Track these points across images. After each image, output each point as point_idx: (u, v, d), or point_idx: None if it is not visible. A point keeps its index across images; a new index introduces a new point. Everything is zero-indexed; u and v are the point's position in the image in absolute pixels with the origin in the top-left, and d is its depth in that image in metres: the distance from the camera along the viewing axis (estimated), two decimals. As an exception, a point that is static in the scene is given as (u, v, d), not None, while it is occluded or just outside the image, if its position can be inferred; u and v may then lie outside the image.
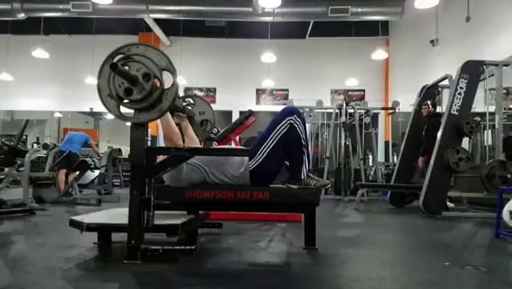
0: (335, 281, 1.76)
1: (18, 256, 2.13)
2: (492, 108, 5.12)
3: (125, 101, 1.88)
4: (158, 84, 1.87)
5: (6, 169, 4.70)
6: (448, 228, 3.86)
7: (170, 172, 2.17)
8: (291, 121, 2.17)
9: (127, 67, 1.85)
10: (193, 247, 1.95)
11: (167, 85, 1.90)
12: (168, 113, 2.20)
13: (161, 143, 11.14)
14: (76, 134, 7.06)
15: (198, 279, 1.73)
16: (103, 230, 2.19)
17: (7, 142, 4.79)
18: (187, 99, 2.85)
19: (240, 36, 13.15)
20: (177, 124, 2.49)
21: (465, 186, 5.13)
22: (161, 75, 1.87)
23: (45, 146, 11.10)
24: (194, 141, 2.56)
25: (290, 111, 2.23)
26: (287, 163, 2.29)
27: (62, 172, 6.26)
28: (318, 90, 12.33)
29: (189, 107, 2.76)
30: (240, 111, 12.20)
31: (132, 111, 1.92)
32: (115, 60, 1.83)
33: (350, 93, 13.04)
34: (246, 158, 2.23)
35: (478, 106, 5.53)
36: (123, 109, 1.93)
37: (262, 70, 12.55)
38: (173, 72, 1.89)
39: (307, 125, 8.89)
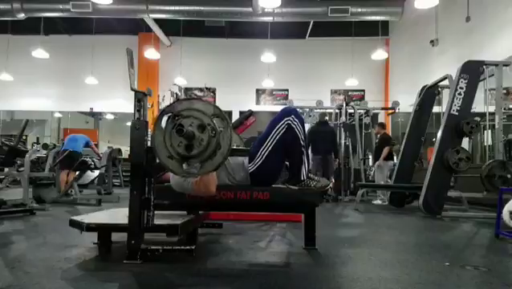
0: (335, 281, 1.76)
1: (18, 256, 2.13)
2: (492, 108, 5.12)
3: (188, 158, 1.84)
4: (213, 132, 1.84)
5: (6, 169, 4.69)
6: (448, 228, 3.86)
7: (173, 182, 2.17)
8: (289, 122, 2.17)
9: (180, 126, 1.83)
10: (193, 247, 1.95)
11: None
12: None
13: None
14: (78, 135, 7.07)
15: (198, 279, 1.73)
16: (103, 230, 2.18)
17: (7, 142, 4.79)
18: None
19: (240, 36, 13.15)
20: None
21: (465, 186, 5.13)
22: (213, 121, 1.85)
23: (45, 146, 11.11)
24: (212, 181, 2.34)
25: (288, 111, 2.23)
26: (287, 163, 2.29)
27: (64, 172, 6.26)
28: (318, 90, 12.34)
29: None
30: (240, 111, 12.19)
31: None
32: (163, 121, 1.83)
33: (350, 93, 13.05)
34: (247, 160, 2.23)
35: (478, 106, 5.53)
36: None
37: (262, 70, 12.55)
38: (223, 116, 1.87)
39: (307, 125, 8.94)
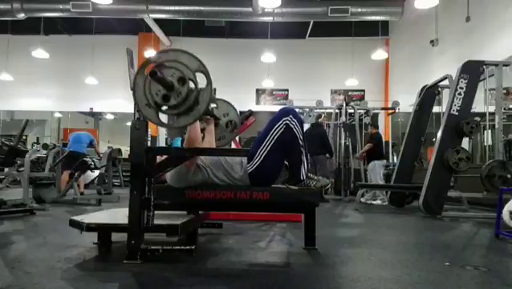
0: (335, 281, 1.76)
1: (18, 256, 2.13)
2: (492, 108, 5.12)
3: (163, 108, 1.87)
4: (193, 86, 1.86)
5: (6, 169, 4.69)
6: (448, 228, 3.86)
7: (173, 173, 2.17)
8: (287, 122, 2.17)
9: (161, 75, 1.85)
10: (193, 247, 1.95)
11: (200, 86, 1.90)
12: None
13: (162, 143, 11.13)
14: (83, 134, 7.07)
15: (198, 279, 1.73)
16: (103, 230, 2.19)
17: (7, 142, 4.79)
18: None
19: (240, 36, 13.15)
20: (202, 129, 2.49)
21: (465, 186, 5.13)
22: (195, 76, 1.87)
23: (45, 146, 11.11)
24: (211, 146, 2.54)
25: (286, 111, 2.23)
26: (287, 163, 2.29)
27: (66, 172, 6.27)
28: (318, 90, 12.34)
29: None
30: (240, 111, 12.15)
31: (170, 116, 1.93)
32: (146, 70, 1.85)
33: (350, 93, 13.04)
34: (245, 158, 2.23)
35: (478, 106, 5.53)
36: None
37: (262, 70, 12.55)
38: (206, 73, 1.89)
39: (307, 125, 8.95)
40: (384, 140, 12.57)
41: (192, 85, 1.86)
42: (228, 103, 2.90)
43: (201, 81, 1.90)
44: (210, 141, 2.54)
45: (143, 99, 1.87)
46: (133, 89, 1.88)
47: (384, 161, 7.10)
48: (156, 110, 1.87)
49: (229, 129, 2.86)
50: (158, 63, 1.87)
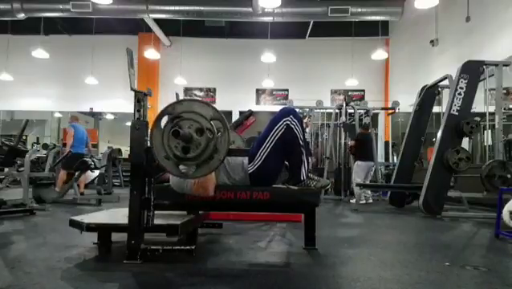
0: (335, 281, 1.76)
1: (18, 256, 2.13)
2: (492, 108, 5.12)
3: (184, 161, 1.86)
4: (211, 135, 1.85)
5: (6, 169, 4.69)
6: (448, 228, 3.86)
7: (174, 181, 2.17)
8: (288, 122, 2.17)
9: (178, 127, 1.84)
10: (193, 247, 1.95)
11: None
12: None
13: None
14: (85, 133, 7.04)
15: (198, 279, 1.73)
16: (103, 230, 2.19)
17: (7, 142, 4.79)
18: None
19: (240, 36, 13.14)
20: None
21: (465, 186, 5.13)
22: (212, 125, 1.86)
23: (45, 146, 11.12)
24: (211, 183, 2.37)
25: (287, 111, 2.23)
26: (287, 163, 2.29)
27: (64, 172, 6.27)
28: (318, 90, 12.33)
29: None
30: (240, 111, 12.20)
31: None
32: (162, 121, 1.85)
33: (350, 93, 13.04)
34: (246, 160, 2.23)
35: (478, 106, 5.53)
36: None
37: (262, 70, 12.55)
38: (222, 119, 1.87)
39: (307, 125, 8.93)
40: (383, 141, 12.70)
41: (209, 134, 1.85)
42: (233, 130, 2.93)
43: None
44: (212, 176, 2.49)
45: (161, 151, 1.86)
46: (151, 135, 1.86)
47: (371, 163, 6.96)
48: (176, 162, 1.86)
49: None
50: (175, 115, 1.85)
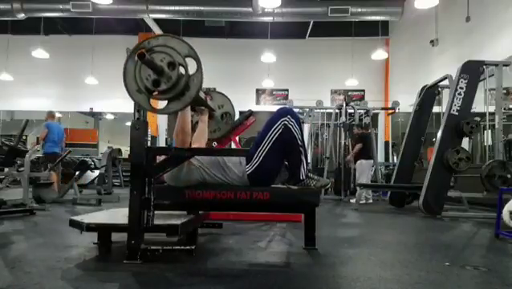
0: (335, 281, 1.76)
1: (18, 256, 2.13)
2: (492, 108, 5.12)
3: (154, 93, 1.87)
4: (184, 72, 1.86)
5: (6, 169, 4.70)
6: (448, 228, 3.86)
7: (168, 172, 2.17)
8: (285, 122, 2.17)
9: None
10: (193, 247, 1.95)
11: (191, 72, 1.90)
12: (188, 107, 2.20)
13: (162, 143, 11.12)
14: (61, 131, 6.97)
15: (198, 279, 1.72)
16: (103, 230, 2.19)
17: (7, 142, 4.79)
18: (203, 95, 2.83)
19: (240, 36, 13.14)
20: (196, 122, 2.50)
21: (465, 186, 5.13)
22: (185, 61, 1.86)
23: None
24: (202, 138, 2.55)
25: (284, 111, 2.23)
26: (286, 163, 2.29)
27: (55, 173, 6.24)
28: (318, 90, 12.33)
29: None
30: (240, 111, 12.14)
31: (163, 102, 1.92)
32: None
33: (350, 93, 13.04)
34: (244, 160, 2.23)
35: (478, 106, 5.53)
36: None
37: (262, 70, 12.55)
38: (196, 58, 1.88)
39: (307, 125, 8.95)
40: (383, 141, 12.70)
41: (182, 70, 1.86)
42: (223, 95, 2.91)
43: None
44: (203, 131, 2.55)
45: (133, 84, 1.87)
46: (124, 75, 1.87)
47: (371, 162, 7.08)
48: (147, 96, 1.87)
49: (224, 121, 2.86)
50: (148, 48, 1.86)
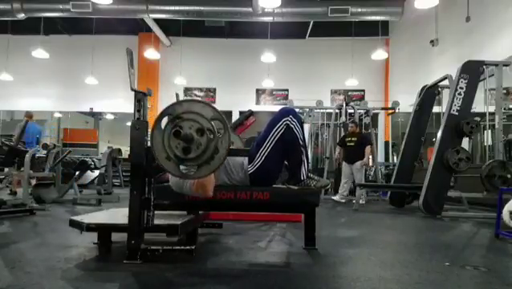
0: (335, 281, 1.76)
1: (18, 256, 2.13)
2: (492, 108, 5.12)
3: (185, 161, 1.86)
4: (211, 136, 1.85)
5: (6, 169, 4.69)
6: (448, 228, 3.86)
7: (172, 181, 2.17)
8: (287, 122, 2.17)
9: (179, 128, 1.84)
10: (193, 247, 1.95)
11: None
12: None
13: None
14: (37, 131, 7.03)
15: (198, 279, 1.73)
16: (103, 230, 2.19)
17: (7, 142, 4.79)
18: None
19: (240, 36, 13.15)
20: None
21: (465, 186, 5.13)
22: (212, 125, 1.85)
23: (45, 146, 11.10)
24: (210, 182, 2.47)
25: (286, 111, 2.23)
26: (287, 163, 2.29)
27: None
28: (318, 90, 12.34)
29: None
30: (240, 111, 12.19)
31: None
32: (163, 122, 1.85)
33: (350, 93, 13.04)
34: (246, 160, 2.23)
35: (478, 106, 5.54)
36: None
37: (262, 70, 12.55)
38: (222, 120, 1.87)
39: (307, 125, 8.94)
40: (383, 141, 12.70)
41: (209, 134, 1.85)
42: (233, 132, 2.92)
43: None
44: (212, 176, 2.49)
45: (162, 153, 1.85)
46: (151, 135, 1.85)
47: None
48: (177, 163, 1.86)
49: None
50: (174, 116, 1.85)
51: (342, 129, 7.85)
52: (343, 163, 6.93)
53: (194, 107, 1.87)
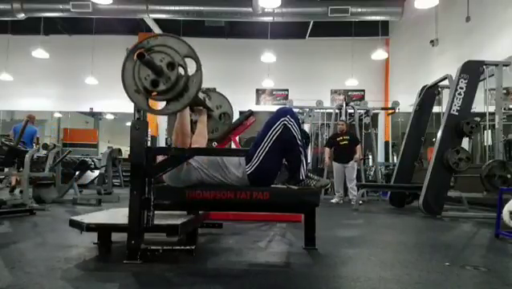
0: (335, 281, 1.76)
1: (18, 256, 2.13)
2: (492, 108, 5.12)
3: (153, 94, 1.86)
4: (183, 72, 1.85)
5: (6, 169, 4.69)
6: (448, 228, 3.86)
7: (170, 171, 2.17)
8: (285, 122, 2.17)
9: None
10: (193, 247, 1.95)
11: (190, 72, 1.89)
12: (187, 108, 2.19)
13: (162, 143, 11.12)
14: (31, 134, 7.07)
15: (198, 279, 1.72)
16: (103, 230, 2.18)
17: (7, 142, 4.79)
18: (202, 94, 2.82)
19: (240, 36, 13.15)
20: (195, 121, 2.49)
21: (465, 186, 5.13)
22: (185, 62, 1.85)
23: (45, 146, 11.10)
24: (202, 139, 2.54)
25: (284, 111, 2.23)
26: (286, 163, 2.29)
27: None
28: (318, 90, 12.34)
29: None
30: (240, 111, 12.15)
31: (162, 103, 1.91)
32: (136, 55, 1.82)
33: (350, 93, 13.04)
34: (244, 160, 2.23)
35: (478, 106, 5.54)
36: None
37: (262, 70, 12.55)
38: (196, 58, 1.87)
39: (307, 125, 8.94)
40: (383, 141, 12.69)
41: (181, 70, 1.85)
42: (221, 95, 2.90)
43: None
44: (202, 131, 2.54)
45: (132, 84, 1.85)
46: (122, 75, 1.85)
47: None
48: (145, 96, 1.86)
49: (223, 121, 2.86)
50: (147, 47, 1.85)
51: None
52: (335, 163, 6.74)
53: (169, 41, 1.87)
